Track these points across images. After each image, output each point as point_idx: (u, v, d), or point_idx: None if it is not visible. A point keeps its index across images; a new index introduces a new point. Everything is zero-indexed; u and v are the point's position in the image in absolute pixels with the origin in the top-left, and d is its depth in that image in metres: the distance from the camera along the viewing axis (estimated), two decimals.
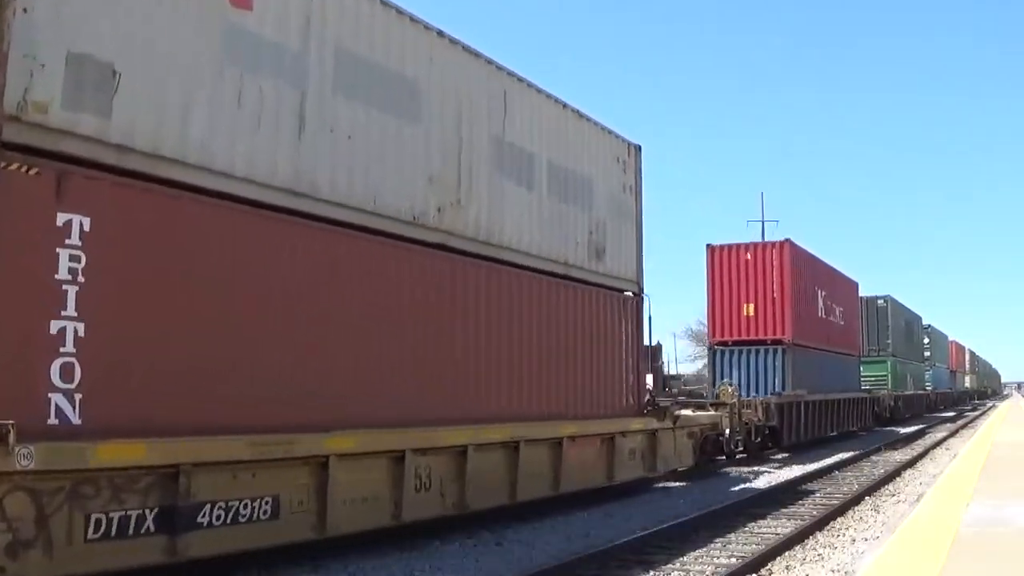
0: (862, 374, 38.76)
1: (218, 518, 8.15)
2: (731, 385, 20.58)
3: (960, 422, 43.18)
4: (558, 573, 9.22)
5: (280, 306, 9.06)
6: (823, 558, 10.06)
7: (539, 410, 12.73)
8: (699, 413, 18.17)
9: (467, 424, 11.13)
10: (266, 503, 8.62)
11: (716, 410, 19.70)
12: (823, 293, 28.76)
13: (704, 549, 10.81)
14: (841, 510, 13.72)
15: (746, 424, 20.77)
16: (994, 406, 70.94)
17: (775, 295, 25.22)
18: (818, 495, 15.81)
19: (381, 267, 10.37)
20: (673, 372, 63.08)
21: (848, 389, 31.76)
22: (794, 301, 25.32)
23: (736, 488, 16.82)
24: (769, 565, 9.74)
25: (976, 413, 55.38)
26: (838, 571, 9.14)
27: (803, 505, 14.69)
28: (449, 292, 11.30)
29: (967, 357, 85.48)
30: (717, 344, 25.73)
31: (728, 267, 25.71)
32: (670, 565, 9.88)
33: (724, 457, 20.66)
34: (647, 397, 18.87)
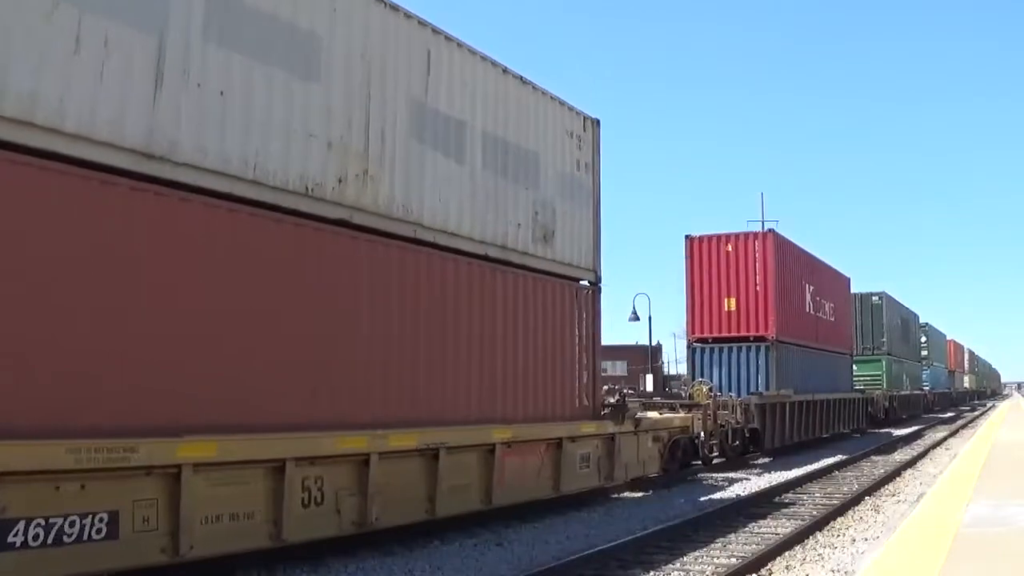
0: (855, 373, 37.08)
1: (36, 538, 6.65)
2: (706, 385, 18.93)
3: (958, 423, 41.57)
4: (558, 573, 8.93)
5: (127, 288, 7.50)
6: (823, 558, 9.92)
7: (469, 413, 11.10)
8: (667, 415, 16.54)
9: (377, 429, 9.53)
10: (100, 520, 7.08)
11: (690, 411, 18.08)
12: (811, 287, 27.09)
13: (704, 549, 10.64)
14: (841, 510, 13.47)
15: (722, 427, 19.12)
16: (994, 406, 69.52)
17: (758, 289, 23.56)
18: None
19: (264, 245, 8.77)
20: (673, 372, 61.35)
21: (839, 389, 30.08)
22: (778, 295, 23.66)
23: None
24: (769, 565, 9.60)
25: (975, 414, 53.66)
26: (838, 571, 8.98)
27: (776, 519, 13.09)
28: (352, 276, 9.69)
29: (966, 356, 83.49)
30: (696, 341, 24.06)
31: (708, 259, 24.04)
32: (670, 565, 9.75)
33: (700, 462, 19.00)
34: (620, 399, 17.45)
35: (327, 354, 9.27)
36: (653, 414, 16.48)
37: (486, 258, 11.76)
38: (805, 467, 20.27)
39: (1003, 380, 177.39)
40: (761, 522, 12.64)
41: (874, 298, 38.98)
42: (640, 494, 15.62)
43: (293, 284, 9.03)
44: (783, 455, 23.21)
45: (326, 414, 9.14)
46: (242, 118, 8.65)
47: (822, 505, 14.20)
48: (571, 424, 12.93)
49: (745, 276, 23.70)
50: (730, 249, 23.87)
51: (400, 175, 10.45)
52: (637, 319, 43.33)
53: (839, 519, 12.90)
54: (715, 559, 10.09)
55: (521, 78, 12.76)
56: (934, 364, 55.60)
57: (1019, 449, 17.04)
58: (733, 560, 9.80)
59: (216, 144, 8.42)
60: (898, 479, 18.44)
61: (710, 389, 18.66)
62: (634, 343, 64.20)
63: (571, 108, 13.95)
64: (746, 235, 23.88)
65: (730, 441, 19.49)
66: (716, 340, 23.82)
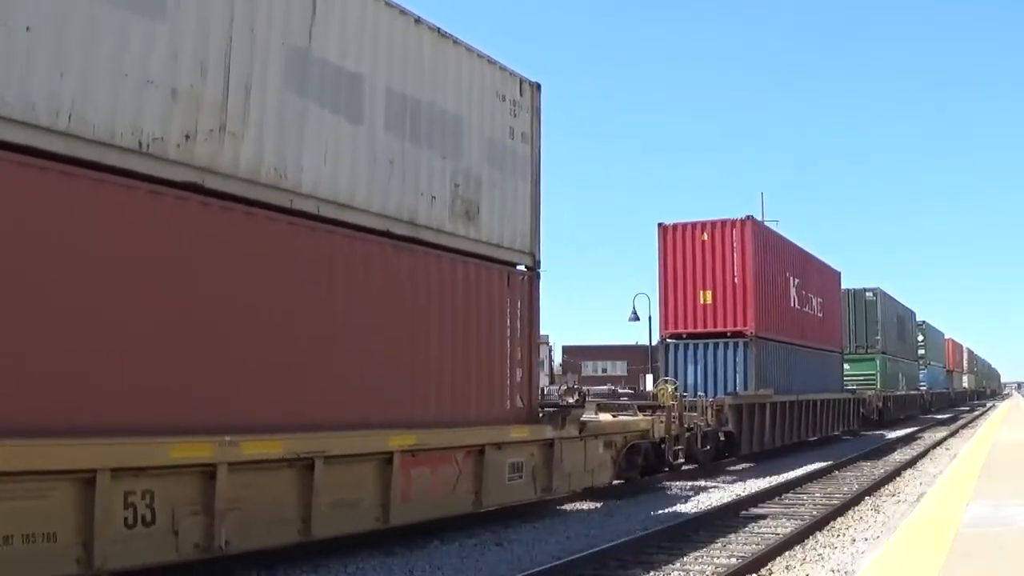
0: (848, 373, 35.36)
1: None
2: (672, 384, 17.20)
3: (955, 424, 39.84)
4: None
5: None
6: (823, 558, 9.85)
7: (362, 415, 9.36)
8: (621, 418, 14.81)
9: (229, 434, 7.83)
10: None
11: (654, 413, 16.35)
12: (796, 280, 25.33)
13: (704, 549, 10.51)
14: (841, 510, 13.34)
15: (690, 430, 17.39)
16: (994, 406, 67.88)
17: (736, 280, 21.81)
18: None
19: (79, 211, 7.09)
20: None
21: (828, 389, 28.28)
22: (758, 288, 21.91)
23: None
24: (769, 565, 9.50)
25: (973, 415, 51.85)
26: (838, 571, 8.90)
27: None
28: (204, 250, 8.00)
29: (965, 356, 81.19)
30: (670, 337, 22.28)
31: (682, 249, 22.28)
32: (670, 565, 9.62)
33: (668, 470, 17.27)
34: (579, 399, 15.76)
35: (160, 345, 7.57)
36: (606, 417, 14.76)
37: (389, 235, 10.05)
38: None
39: (1003, 380, 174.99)
40: (762, 522, 12.33)
41: (868, 294, 37.16)
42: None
43: (119, 259, 7.35)
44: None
45: (156, 417, 7.45)
46: (49, 57, 6.98)
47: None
48: (497, 429, 11.20)
49: (722, 267, 21.94)
50: (706, 238, 22.12)
51: (271, 133, 8.74)
52: (637, 319, 41.41)
53: (839, 519, 12.70)
54: (715, 559, 9.94)
55: (439, 30, 11.04)
56: (931, 363, 53.69)
57: (1019, 449, 16.90)
58: (733, 560, 9.66)
59: (14, 88, 6.77)
60: (898, 479, 18.14)
61: (676, 389, 16.93)
62: (634, 343, 62.82)
63: (504, 68, 12.22)
64: (723, 223, 22.10)
65: (700, 446, 17.73)
66: (691, 336, 22.06)
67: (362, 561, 9.41)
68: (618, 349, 77.55)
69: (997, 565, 6.14)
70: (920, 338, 50.26)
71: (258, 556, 8.45)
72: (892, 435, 32.22)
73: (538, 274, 12.55)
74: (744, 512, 13.34)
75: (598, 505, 13.92)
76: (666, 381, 17.46)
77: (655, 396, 16.88)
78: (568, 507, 13.73)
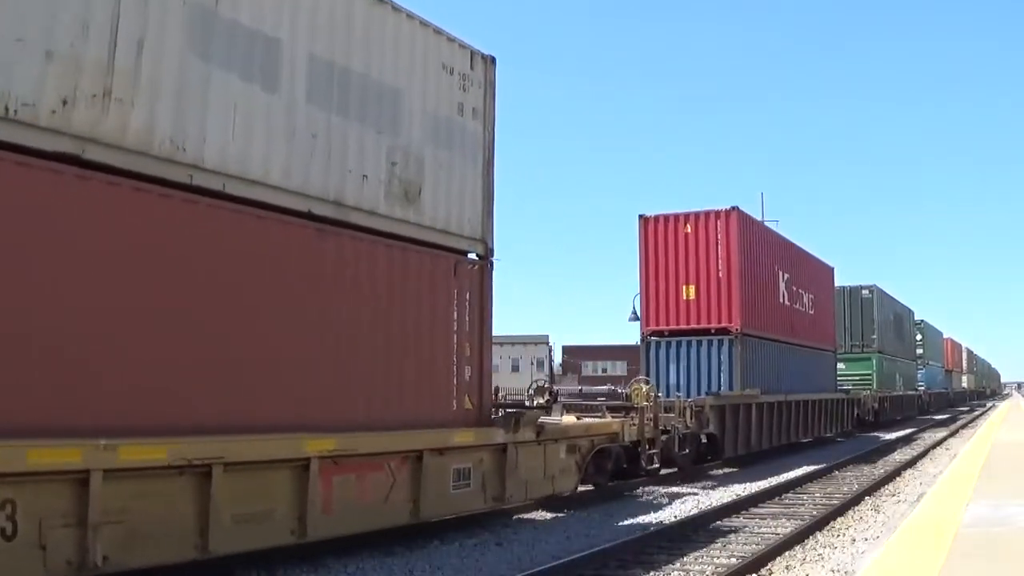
0: (843, 372, 34.43)
1: None
2: (647, 384, 16.23)
3: (955, 425, 38.87)
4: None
5: None
6: (823, 558, 9.79)
7: (274, 417, 8.44)
8: (585, 420, 13.84)
9: (116, 436, 6.89)
10: None
11: (628, 415, 15.37)
12: (785, 276, 24.35)
13: (704, 549, 10.47)
14: (841, 510, 13.26)
15: (667, 432, 16.41)
16: (994, 406, 66.88)
17: (720, 275, 20.84)
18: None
19: None
20: None
21: (820, 389, 27.31)
22: (744, 282, 20.94)
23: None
24: (769, 565, 9.44)
25: (972, 415, 50.81)
26: (838, 571, 8.87)
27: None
28: (82, 228, 7.07)
29: (964, 355, 79.81)
30: (651, 334, 21.33)
31: (664, 242, 21.32)
32: (670, 565, 9.59)
33: (645, 475, 16.28)
34: (550, 399, 14.85)
35: (32, 339, 6.64)
36: (570, 419, 13.80)
37: (311, 216, 9.11)
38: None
39: (1003, 380, 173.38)
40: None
41: (864, 292, 36.17)
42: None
43: None
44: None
45: (31, 417, 6.53)
46: None
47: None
48: (438, 432, 10.23)
49: (706, 261, 20.98)
50: (689, 230, 21.16)
51: (168, 100, 7.80)
52: (637, 319, 39.99)
53: (839, 519, 12.64)
54: (715, 559, 9.88)
55: None
56: (930, 363, 52.62)
57: (1019, 449, 16.75)
58: (733, 560, 9.58)
59: None
60: (898, 479, 17.99)
61: (651, 389, 15.96)
62: (634, 343, 61.75)
63: (452, 39, 11.27)
64: (707, 214, 21.13)
65: (678, 449, 16.74)
66: (673, 333, 21.11)
67: (362, 561, 9.36)
68: (618, 349, 76.61)
69: (997, 565, 6.12)
70: (918, 337, 49.22)
71: (258, 556, 8.42)
72: (888, 437, 31.24)
73: (491, 263, 11.60)
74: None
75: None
76: (639, 380, 16.48)
77: (628, 397, 15.90)
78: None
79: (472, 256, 11.41)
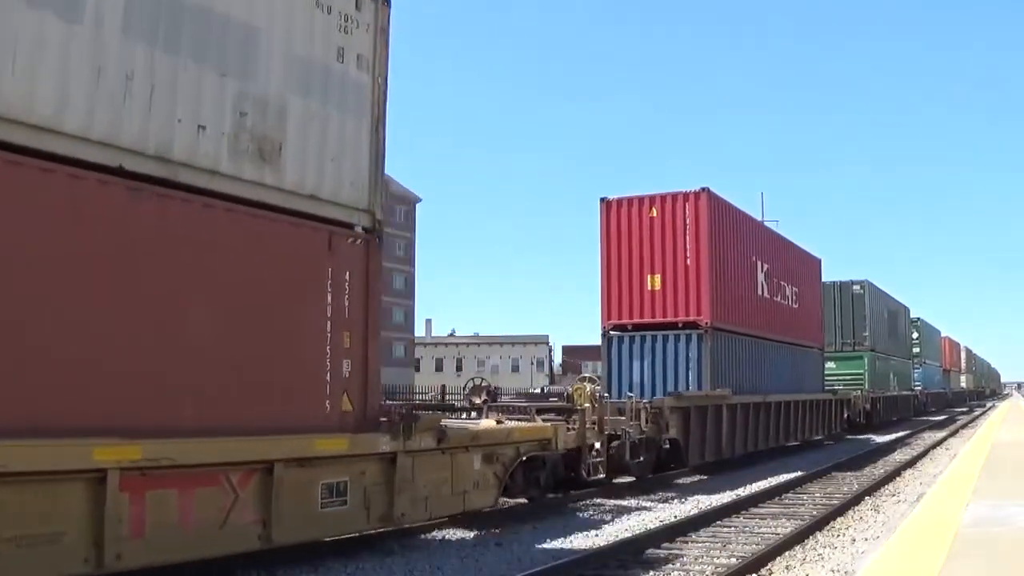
0: (832, 372, 32.67)
1: None
2: (592, 383, 14.39)
3: (954, 426, 37.06)
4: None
5: None
6: (823, 558, 9.72)
7: (68, 419, 6.64)
8: (506, 425, 11.98)
9: None
10: None
11: (569, 417, 13.55)
12: (765, 266, 22.49)
13: (704, 548, 10.39)
14: (841, 510, 13.14)
15: (618, 438, 14.60)
16: (993, 406, 65.07)
17: (688, 263, 19.01)
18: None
19: None
20: None
21: (805, 389, 25.45)
22: (715, 271, 19.10)
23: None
24: (769, 565, 9.36)
25: (970, 416, 48.91)
26: (838, 571, 8.76)
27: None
28: None
29: (962, 355, 77.48)
30: (613, 329, 19.51)
31: (628, 227, 19.50)
32: (670, 565, 9.49)
33: (595, 486, 14.47)
34: (487, 399, 13.10)
35: None
36: (489, 422, 11.96)
37: (122, 173, 7.30)
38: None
39: (1003, 380, 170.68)
40: (761, 522, 12.26)
41: (855, 287, 34.24)
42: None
43: None
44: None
45: None
46: None
47: (722, 567, 9.73)
48: (295, 439, 8.38)
49: (673, 247, 19.15)
50: (654, 214, 19.34)
51: None
52: None
53: (839, 519, 12.53)
54: (715, 559, 9.77)
55: None
56: (927, 362, 50.63)
57: (1019, 449, 16.63)
58: (733, 560, 9.49)
59: None
60: (898, 479, 17.82)
61: (596, 388, 14.11)
62: None
63: None
64: (674, 196, 19.28)
65: (630, 456, 14.86)
66: (637, 327, 19.29)
67: (362, 561, 9.27)
68: None
69: (997, 565, 6.10)
70: (914, 335, 47.25)
71: (259, 556, 8.33)
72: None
73: (379, 237, 9.77)
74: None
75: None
76: (584, 379, 14.66)
77: (570, 397, 14.07)
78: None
79: (360, 228, 9.57)
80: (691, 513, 12.93)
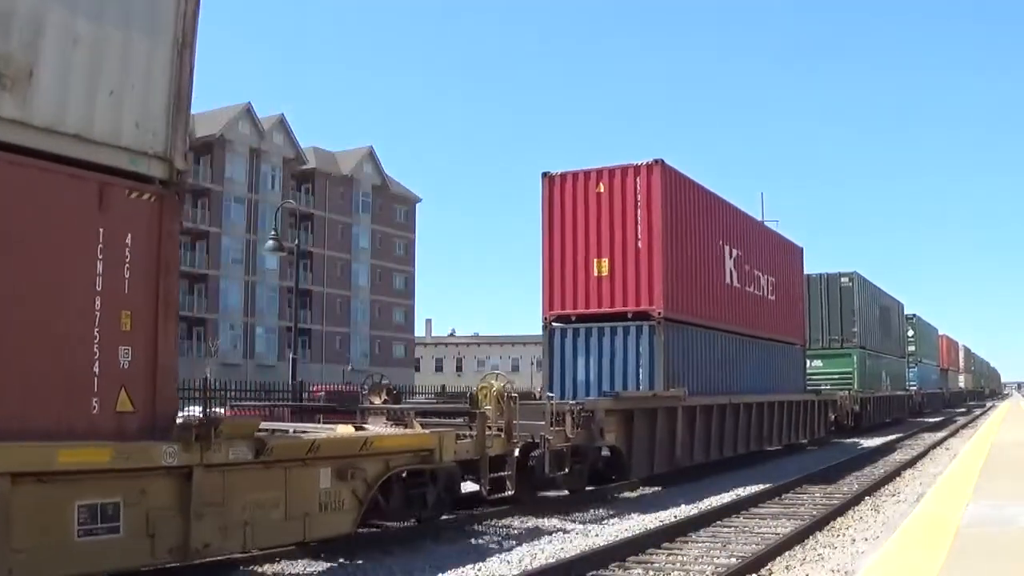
0: (818, 370, 30.76)
1: None
2: (501, 380, 12.33)
3: (947, 429, 35.12)
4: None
5: None
6: (823, 558, 9.68)
7: None
8: (364, 433, 9.93)
9: None
10: None
11: (472, 422, 11.53)
12: (735, 252, 20.45)
13: (704, 548, 10.32)
14: (841, 510, 13.12)
15: (535, 446, 12.58)
16: (994, 406, 63.20)
17: (640, 245, 16.99)
18: None
19: None
20: None
21: (783, 389, 23.44)
22: (670, 255, 17.06)
23: None
24: (769, 565, 9.31)
25: (971, 416, 46.98)
26: (838, 571, 8.80)
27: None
28: None
29: (961, 354, 74.97)
30: (555, 320, 17.52)
31: (572, 205, 17.48)
32: (670, 565, 9.43)
33: (504, 503, 12.46)
34: (388, 399, 11.23)
35: None
36: (346, 429, 9.89)
37: None
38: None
39: (1003, 380, 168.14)
40: (761, 521, 12.32)
41: (843, 279, 32.15)
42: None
43: None
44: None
45: None
46: None
47: None
48: (27, 448, 6.33)
49: (622, 228, 17.13)
50: (602, 190, 17.30)
51: None
52: None
53: (839, 519, 12.50)
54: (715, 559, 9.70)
55: None
56: (923, 361, 48.52)
57: (1019, 449, 16.59)
58: (733, 560, 9.41)
59: None
60: (898, 479, 17.80)
61: (504, 386, 12.06)
62: None
63: None
64: (623, 169, 17.24)
65: (550, 469, 12.77)
66: (582, 318, 17.28)
67: (362, 561, 9.22)
68: None
69: (997, 565, 6.08)
70: (910, 333, 45.16)
71: (258, 556, 8.42)
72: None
73: (178, 193, 7.75)
74: None
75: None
76: (492, 375, 12.61)
77: (472, 398, 12.01)
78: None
79: (156, 181, 7.55)
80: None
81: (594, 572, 8.82)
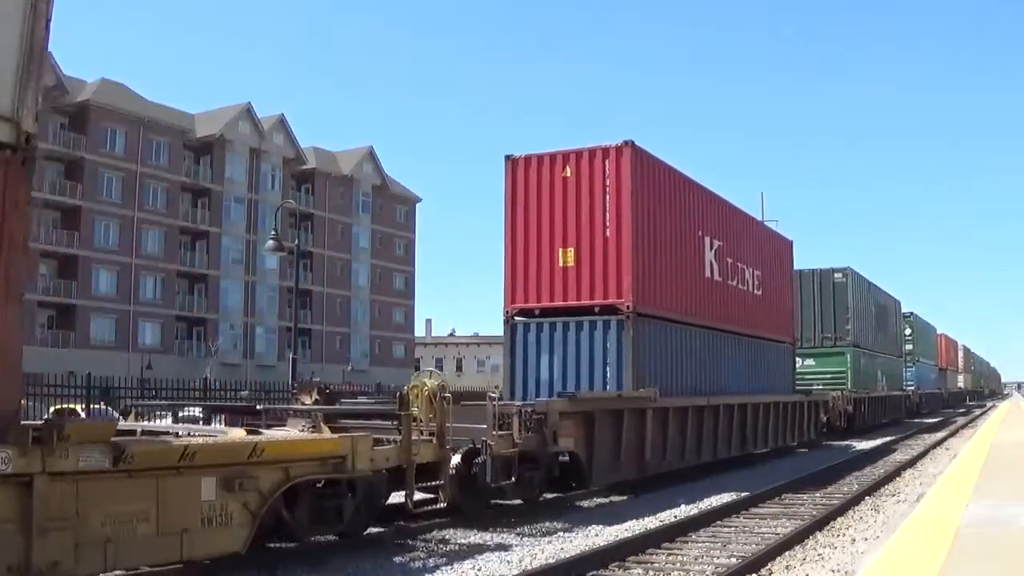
0: (811, 370, 29.10)
1: None
2: (434, 379, 10.75)
3: (947, 430, 33.42)
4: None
5: None
6: (823, 558, 9.48)
7: None
8: (254, 438, 8.38)
9: None
10: None
11: (399, 425, 9.94)
12: (716, 243, 18.84)
13: (704, 548, 10.02)
14: (841, 510, 12.76)
15: (476, 452, 11.00)
16: (994, 406, 61.35)
17: (608, 234, 15.41)
18: None
19: None
20: None
21: (769, 389, 21.79)
22: (641, 245, 15.49)
23: None
24: (769, 565, 9.06)
25: (970, 416, 45.18)
26: (838, 571, 8.64)
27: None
28: None
29: (960, 353, 72.91)
30: (518, 314, 15.96)
31: (537, 190, 15.92)
32: (670, 565, 9.12)
33: (442, 515, 10.88)
34: (319, 399, 9.73)
35: None
36: (238, 432, 8.38)
37: None
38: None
39: (1004, 380, 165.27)
40: (761, 521, 11.92)
41: (836, 275, 30.44)
42: None
43: None
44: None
45: None
46: None
47: None
48: None
49: (590, 215, 15.56)
50: (568, 174, 15.74)
51: None
52: None
53: (839, 519, 12.22)
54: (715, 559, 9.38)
55: None
56: (920, 360, 46.72)
57: (1019, 449, 16.39)
58: (733, 560, 9.11)
59: None
60: (898, 479, 17.48)
61: (438, 386, 10.45)
62: None
63: None
64: (591, 152, 15.66)
65: (494, 477, 11.12)
66: (546, 312, 15.72)
67: (362, 561, 8.92)
68: None
69: (997, 565, 6.00)
70: (907, 331, 43.35)
71: (259, 557, 8.15)
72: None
73: (29, 159, 6.22)
74: None
75: None
76: (425, 373, 11.03)
77: (402, 398, 10.43)
78: None
79: None
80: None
81: (594, 572, 8.54)
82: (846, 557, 9.33)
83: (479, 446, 11.09)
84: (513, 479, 11.52)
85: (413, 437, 10.00)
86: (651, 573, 8.91)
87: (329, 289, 79.55)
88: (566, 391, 14.04)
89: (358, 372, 75.51)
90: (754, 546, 9.97)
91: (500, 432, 11.41)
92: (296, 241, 31.37)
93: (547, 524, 11.79)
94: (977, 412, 51.34)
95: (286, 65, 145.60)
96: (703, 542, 10.56)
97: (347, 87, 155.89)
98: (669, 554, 9.78)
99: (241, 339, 73.23)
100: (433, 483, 10.48)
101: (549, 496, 13.72)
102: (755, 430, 20.14)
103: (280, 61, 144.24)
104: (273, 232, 24.78)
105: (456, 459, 11.30)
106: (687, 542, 10.49)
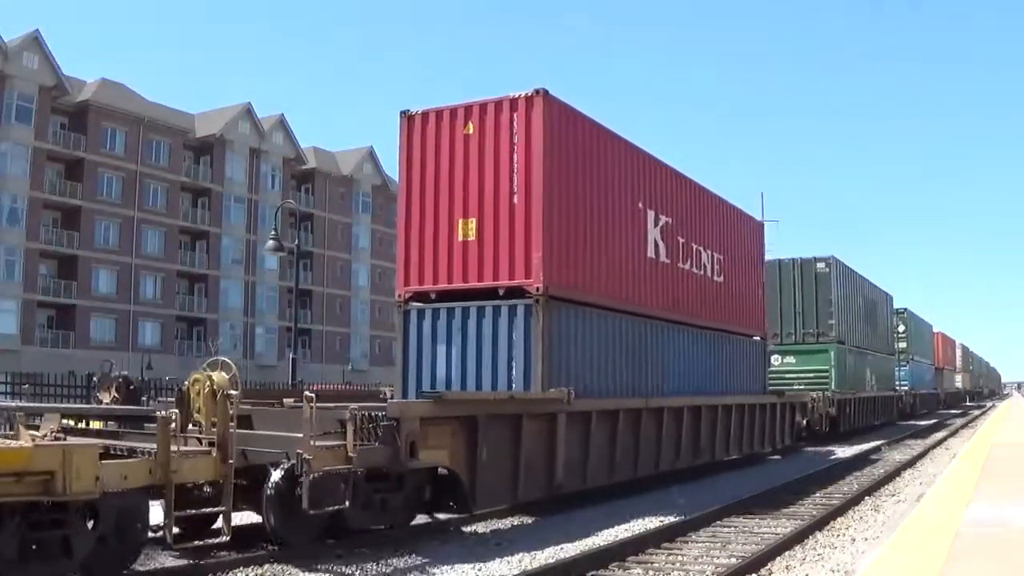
0: (792, 368, 25.71)
1: None
2: (221, 373, 7.63)
3: (946, 430, 29.95)
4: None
5: None
6: (823, 558, 9.18)
7: None
8: None
9: None
10: None
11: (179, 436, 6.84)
12: (662, 219, 15.53)
13: (704, 548, 9.62)
14: (841, 510, 12.26)
15: (288, 471, 7.88)
16: (993, 406, 57.55)
17: (515, 201, 12.21)
18: None
19: None
20: None
21: (737, 389, 18.46)
22: (556, 214, 12.26)
23: None
24: (769, 565, 8.78)
25: (968, 417, 41.49)
26: (838, 571, 8.35)
27: None
28: None
29: (958, 352, 68.49)
30: (412, 298, 12.78)
31: (436, 151, 12.74)
32: (670, 565, 8.81)
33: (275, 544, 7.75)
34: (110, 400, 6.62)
35: None
36: None
37: None
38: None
39: (1004, 380, 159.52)
40: (761, 521, 11.28)
41: (819, 264, 26.93)
42: None
43: None
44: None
45: None
46: None
47: None
48: None
49: (494, 179, 12.36)
50: (470, 131, 12.55)
51: None
52: None
53: (839, 519, 11.67)
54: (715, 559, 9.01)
55: None
56: (915, 359, 42.98)
57: (1019, 449, 15.86)
58: (733, 560, 8.75)
59: None
60: (898, 479, 16.61)
61: (228, 381, 7.32)
62: None
63: None
64: (497, 104, 12.45)
65: (307, 504, 7.94)
66: (444, 296, 12.53)
67: (362, 561, 8.44)
68: None
69: (997, 565, 5.83)
70: (900, 329, 39.67)
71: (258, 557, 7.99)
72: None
73: None
74: None
75: None
76: (210, 365, 7.91)
77: (181, 396, 7.33)
78: None
79: None
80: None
81: (594, 572, 8.22)
82: (846, 557, 8.97)
83: (290, 463, 7.91)
84: (347, 503, 8.31)
85: (184, 448, 6.90)
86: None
87: (329, 289, 76.79)
88: (451, 391, 10.83)
89: (358, 372, 72.72)
90: (753, 546, 9.47)
91: (325, 443, 8.22)
92: (296, 241, 30.01)
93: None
94: (976, 413, 47.61)
95: (286, 65, 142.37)
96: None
97: (347, 87, 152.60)
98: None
99: (241, 339, 70.54)
100: (209, 509, 7.31)
101: (427, 518, 10.56)
102: (712, 436, 16.82)
103: (280, 61, 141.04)
104: (273, 232, 24.11)
105: (276, 476, 8.23)
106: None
